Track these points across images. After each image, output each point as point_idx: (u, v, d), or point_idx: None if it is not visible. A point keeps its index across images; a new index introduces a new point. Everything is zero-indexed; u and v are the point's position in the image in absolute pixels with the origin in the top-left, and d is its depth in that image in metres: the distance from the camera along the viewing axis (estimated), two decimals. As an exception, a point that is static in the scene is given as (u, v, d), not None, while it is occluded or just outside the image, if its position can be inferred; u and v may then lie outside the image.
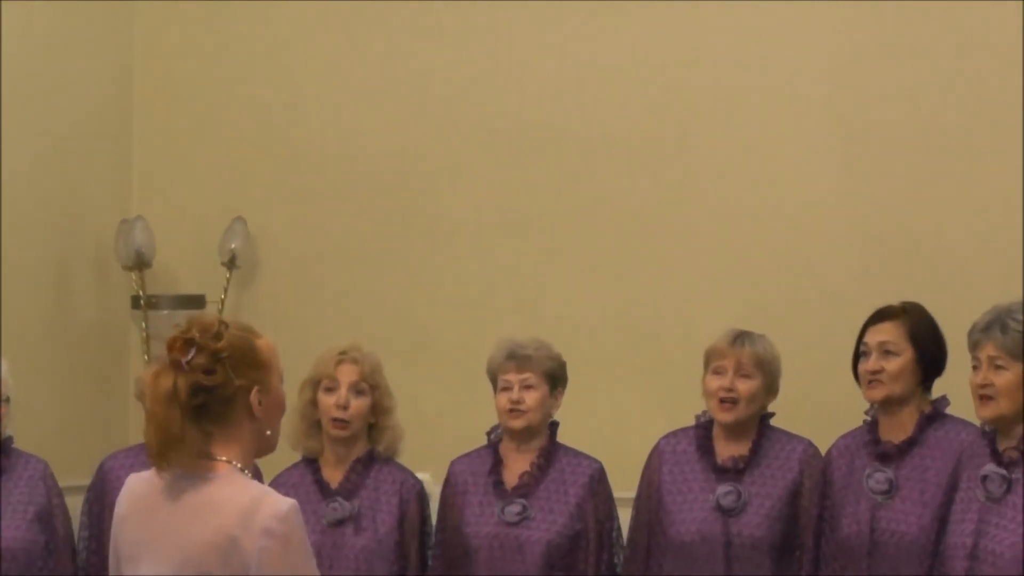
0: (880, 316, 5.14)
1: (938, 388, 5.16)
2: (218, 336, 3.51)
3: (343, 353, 5.38)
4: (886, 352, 5.06)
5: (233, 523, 3.43)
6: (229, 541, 3.42)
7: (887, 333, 5.08)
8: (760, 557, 5.19)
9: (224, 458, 3.50)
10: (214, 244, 6.89)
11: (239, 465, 3.52)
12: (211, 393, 3.48)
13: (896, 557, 4.98)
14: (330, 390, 5.34)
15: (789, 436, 5.30)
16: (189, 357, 3.47)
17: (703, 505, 5.25)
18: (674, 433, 5.42)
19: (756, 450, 5.27)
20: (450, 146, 6.78)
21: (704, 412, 5.34)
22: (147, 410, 3.50)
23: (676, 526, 5.26)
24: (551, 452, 5.38)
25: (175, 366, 3.47)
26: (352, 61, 6.93)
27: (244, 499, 3.46)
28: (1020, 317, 4.73)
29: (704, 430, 5.35)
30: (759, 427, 5.30)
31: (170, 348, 3.48)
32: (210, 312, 6.65)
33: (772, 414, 5.33)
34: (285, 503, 3.47)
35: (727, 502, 5.21)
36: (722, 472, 5.27)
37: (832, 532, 5.12)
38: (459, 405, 6.24)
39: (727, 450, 5.29)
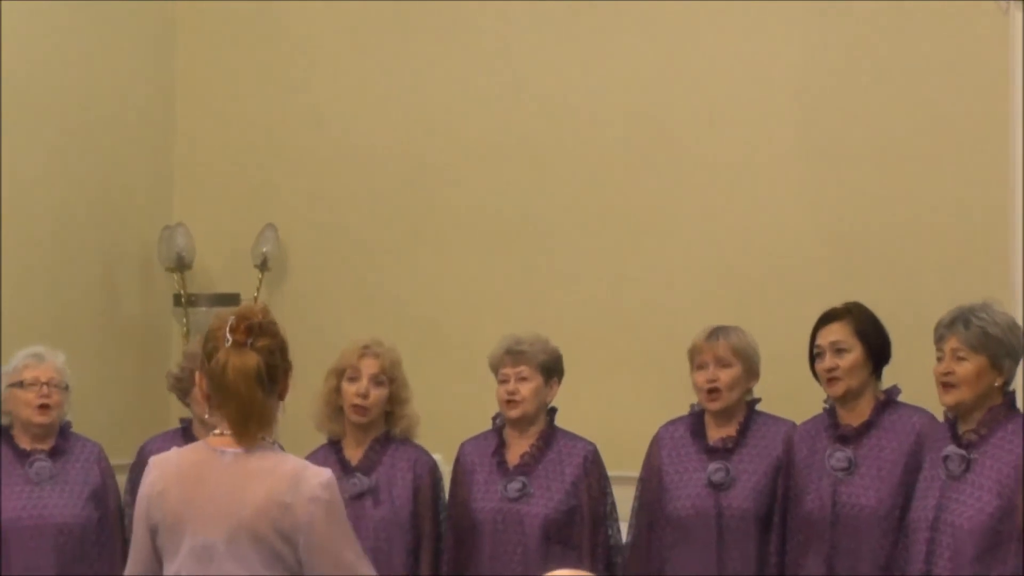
0: (828, 318, 5.18)
1: (893, 379, 5.19)
2: (274, 322, 3.58)
3: (366, 347, 5.39)
4: (838, 350, 5.10)
5: (283, 490, 3.50)
6: (281, 507, 3.49)
7: (837, 333, 5.13)
8: (748, 527, 5.22)
9: (260, 434, 3.57)
10: (248, 248, 6.98)
11: (270, 440, 3.59)
12: (271, 373, 3.54)
13: (856, 528, 5.02)
14: (353, 379, 5.35)
15: (775, 419, 5.34)
16: (251, 339, 3.52)
17: (697, 482, 5.28)
18: (672, 422, 5.44)
19: (743, 432, 5.31)
20: (458, 159, 6.83)
21: (697, 403, 5.38)
22: (225, 387, 3.51)
23: (673, 502, 5.29)
24: (549, 435, 5.40)
25: (244, 347, 3.51)
26: (371, 85, 6.97)
27: (289, 468, 3.53)
28: (982, 315, 4.78)
29: (697, 417, 5.38)
30: (746, 412, 5.34)
31: (234, 330, 3.51)
32: (250, 303, 6.57)
33: (758, 400, 5.37)
34: (326, 472, 3.56)
35: (717, 478, 5.25)
36: (713, 452, 5.31)
37: (796, 508, 5.16)
38: (466, 393, 6.22)
39: (717, 433, 5.33)
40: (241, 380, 3.50)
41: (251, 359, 3.50)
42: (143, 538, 3.65)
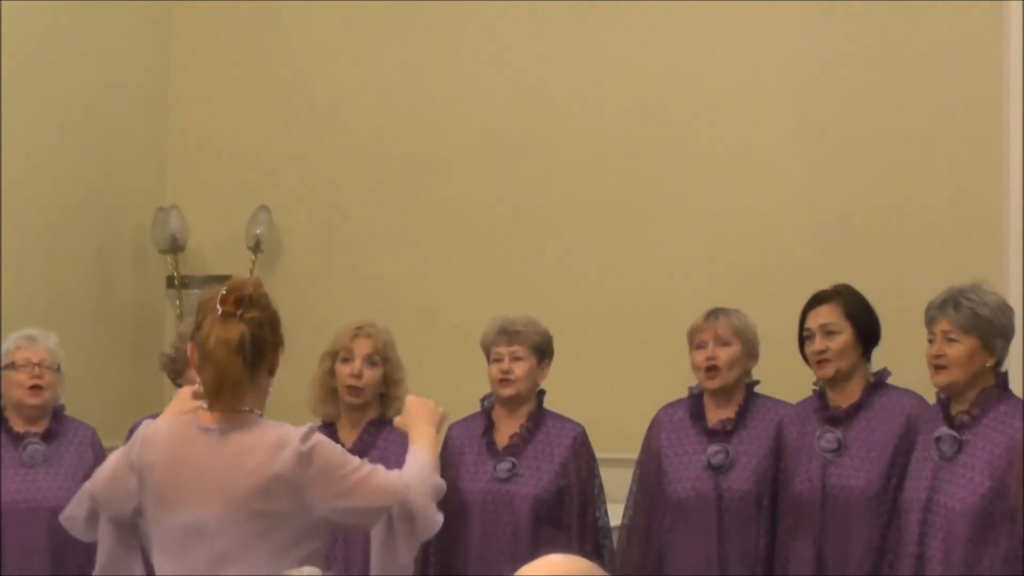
0: (817, 300, 5.17)
1: (890, 367, 5.18)
2: (265, 295, 3.59)
3: (359, 328, 5.39)
4: (828, 332, 5.10)
5: (270, 462, 3.51)
6: (270, 479, 3.50)
7: (826, 315, 5.12)
8: (748, 509, 5.22)
9: (248, 408, 3.58)
10: (241, 230, 6.97)
11: (259, 413, 3.60)
12: (257, 345, 3.54)
13: (846, 509, 4.99)
14: (346, 360, 5.34)
15: (774, 401, 5.34)
16: (241, 311, 3.52)
17: (696, 465, 5.28)
18: (671, 404, 5.44)
19: (742, 414, 5.31)
20: (453, 146, 6.83)
21: (696, 385, 5.39)
22: (206, 355, 3.53)
23: (673, 485, 5.29)
24: (538, 416, 5.40)
25: (232, 318, 3.52)
26: (366, 69, 6.98)
27: (272, 439, 3.54)
28: (972, 296, 4.77)
29: (696, 399, 5.39)
30: (745, 394, 5.34)
31: (223, 301, 3.52)
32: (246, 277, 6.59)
33: (757, 382, 5.37)
34: (303, 428, 3.57)
35: (717, 460, 5.25)
36: (712, 435, 5.31)
37: (785, 490, 5.15)
38: (459, 376, 6.12)
39: (716, 415, 5.34)
40: (222, 349, 3.51)
41: (235, 330, 3.51)
42: (114, 497, 3.66)
